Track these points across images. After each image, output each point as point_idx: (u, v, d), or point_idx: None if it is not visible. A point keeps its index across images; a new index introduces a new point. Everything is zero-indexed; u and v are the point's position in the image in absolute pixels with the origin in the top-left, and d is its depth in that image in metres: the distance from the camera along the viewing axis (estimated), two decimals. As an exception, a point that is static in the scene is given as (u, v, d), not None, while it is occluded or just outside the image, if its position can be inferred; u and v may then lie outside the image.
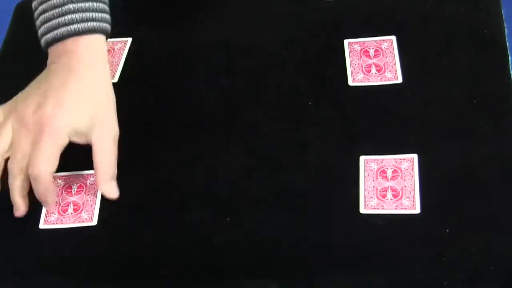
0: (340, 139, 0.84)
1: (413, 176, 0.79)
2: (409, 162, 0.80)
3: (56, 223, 0.79)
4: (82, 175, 0.83)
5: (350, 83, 0.88)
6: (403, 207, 0.76)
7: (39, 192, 0.78)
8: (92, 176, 0.82)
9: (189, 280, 0.75)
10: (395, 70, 0.88)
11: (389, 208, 0.77)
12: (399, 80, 0.88)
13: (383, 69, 0.89)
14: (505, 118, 0.83)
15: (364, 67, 0.89)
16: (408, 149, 0.81)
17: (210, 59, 0.95)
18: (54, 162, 0.77)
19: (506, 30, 0.91)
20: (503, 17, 0.93)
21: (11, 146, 0.78)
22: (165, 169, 0.84)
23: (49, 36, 0.81)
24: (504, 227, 0.74)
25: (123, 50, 0.96)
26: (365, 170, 0.80)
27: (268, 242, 0.77)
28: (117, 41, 0.97)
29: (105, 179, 0.79)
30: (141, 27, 1.00)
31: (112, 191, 0.80)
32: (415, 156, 0.80)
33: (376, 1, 0.97)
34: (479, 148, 0.81)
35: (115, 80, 0.93)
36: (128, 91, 0.92)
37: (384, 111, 0.85)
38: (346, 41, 0.93)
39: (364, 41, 0.92)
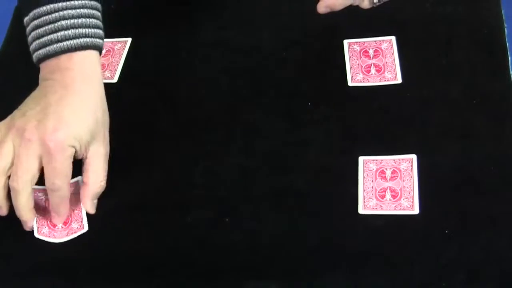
0: (340, 139, 0.84)
1: (412, 176, 0.79)
2: (408, 163, 0.80)
3: (49, 236, 0.79)
4: None
5: (350, 83, 0.88)
6: (402, 207, 0.77)
7: (55, 204, 0.78)
8: (71, 186, 0.80)
9: (189, 280, 0.75)
10: (395, 70, 0.88)
11: (388, 208, 0.77)
12: (399, 80, 0.88)
13: (382, 70, 0.89)
14: (505, 118, 0.83)
15: (364, 68, 0.89)
16: (408, 150, 0.81)
17: (210, 59, 0.95)
18: (69, 173, 0.77)
19: (506, 30, 0.91)
20: (503, 17, 0.93)
21: (13, 163, 0.77)
22: (165, 169, 0.84)
23: (41, 52, 0.80)
24: (504, 227, 0.74)
25: (123, 50, 0.96)
26: (364, 170, 0.80)
27: (268, 242, 0.77)
28: (117, 41, 0.97)
29: (91, 197, 0.80)
30: (141, 27, 0.99)
31: (93, 208, 0.81)
32: (414, 157, 0.80)
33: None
34: (479, 148, 0.81)
35: (115, 80, 0.93)
36: (128, 91, 0.92)
37: (384, 111, 0.85)
38: (346, 41, 0.93)
39: (364, 42, 0.92)
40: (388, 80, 0.88)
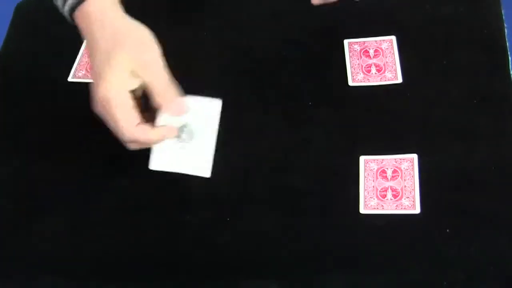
0: (340, 139, 0.84)
1: (413, 176, 0.79)
2: (409, 162, 0.80)
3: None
4: None
5: (350, 83, 0.88)
6: (403, 207, 0.76)
7: (149, 143, 0.78)
8: None
9: (189, 280, 0.75)
10: (395, 70, 0.88)
11: (389, 208, 0.77)
12: (399, 80, 0.88)
13: (383, 69, 0.89)
14: (505, 118, 0.83)
15: (364, 67, 0.89)
16: (408, 149, 0.81)
17: (211, 59, 0.95)
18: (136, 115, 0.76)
19: (506, 30, 0.91)
20: (503, 17, 0.93)
21: None
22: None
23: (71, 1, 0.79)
24: (504, 227, 0.74)
25: (123, 50, 0.96)
26: (365, 170, 0.80)
27: (268, 242, 0.77)
28: (117, 41, 0.97)
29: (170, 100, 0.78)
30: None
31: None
32: (415, 156, 0.80)
33: (376, 1, 0.96)
34: (479, 148, 0.81)
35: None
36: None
37: (384, 111, 0.85)
38: (346, 41, 0.93)
39: (364, 41, 0.92)
40: (388, 80, 0.88)
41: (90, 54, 0.78)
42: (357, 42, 0.92)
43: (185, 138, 0.79)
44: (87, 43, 0.78)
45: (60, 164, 0.85)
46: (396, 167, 0.80)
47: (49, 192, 0.84)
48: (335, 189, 0.79)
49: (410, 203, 0.77)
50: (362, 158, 0.81)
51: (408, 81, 0.87)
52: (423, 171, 0.79)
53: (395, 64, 0.89)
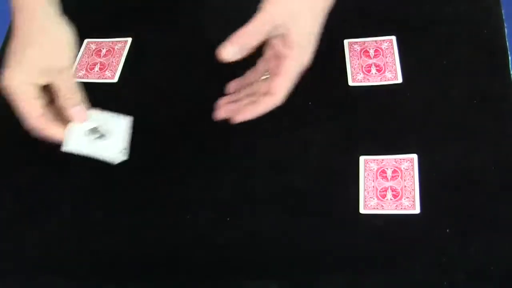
0: (340, 139, 0.84)
1: (413, 176, 0.79)
2: (409, 162, 0.80)
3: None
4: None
5: (350, 83, 0.88)
6: (403, 207, 0.76)
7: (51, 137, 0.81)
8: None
9: (189, 280, 0.75)
10: (395, 70, 0.88)
11: (389, 208, 0.77)
12: (399, 80, 0.88)
13: (383, 69, 0.89)
14: (505, 118, 0.83)
15: (364, 67, 0.89)
16: (408, 149, 0.81)
17: (210, 59, 0.95)
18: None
19: (506, 30, 0.91)
20: (503, 17, 0.93)
21: None
22: (165, 169, 0.84)
23: None
24: (504, 227, 0.74)
25: (123, 50, 0.96)
26: (365, 170, 0.80)
27: (268, 242, 0.77)
28: (117, 41, 0.97)
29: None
30: (141, 27, 0.99)
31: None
32: (415, 156, 0.80)
33: (376, 1, 0.96)
34: (479, 148, 0.81)
35: (115, 80, 0.93)
36: (128, 91, 0.92)
37: (384, 111, 0.85)
38: (346, 41, 0.93)
39: (364, 41, 0.92)
40: (388, 80, 0.88)
41: (12, 35, 0.81)
42: (357, 42, 0.92)
43: (95, 137, 0.81)
44: (12, 23, 0.81)
45: (59, 164, 0.85)
46: (396, 167, 0.80)
47: (49, 192, 0.83)
48: (335, 189, 0.79)
49: (410, 203, 0.77)
50: (362, 158, 0.81)
51: (408, 81, 0.87)
52: (423, 171, 0.79)
53: (395, 64, 0.89)
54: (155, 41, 0.98)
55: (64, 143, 0.80)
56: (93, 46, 0.97)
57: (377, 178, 0.79)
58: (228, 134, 0.86)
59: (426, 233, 0.75)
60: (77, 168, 0.84)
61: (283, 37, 0.77)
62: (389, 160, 0.81)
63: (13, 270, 0.78)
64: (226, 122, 0.87)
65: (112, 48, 0.97)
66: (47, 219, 0.81)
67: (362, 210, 0.77)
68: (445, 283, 0.71)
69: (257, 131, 0.86)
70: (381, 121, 0.84)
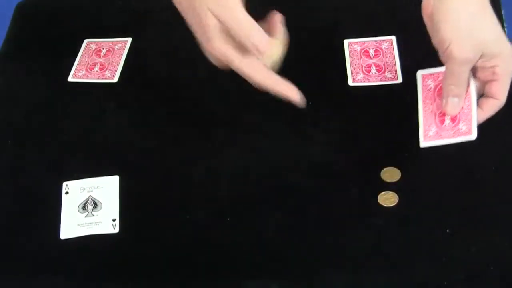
0: (340, 139, 0.84)
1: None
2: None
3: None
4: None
5: (350, 83, 0.88)
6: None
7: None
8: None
9: (189, 280, 0.75)
10: (395, 70, 0.89)
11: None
12: (399, 80, 0.88)
13: (383, 69, 0.89)
14: (505, 118, 0.83)
15: (364, 67, 0.89)
16: (408, 149, 0.81)
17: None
18: None
19: (506, 30, 0.91)
20: (503, 17, 0.93)
21: None
22: (165, 169, 0.84)
23: None
24: (504, 227, 0.75)
25: (123, 50, 0.96)
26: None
27: (268, 242, 0.77)
28: (117, 41, 0.97)
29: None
30: (141, 27, 0.99)
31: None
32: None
33: (376, 1, 0.96)
34: (479, 147, 0.80)
35: (115, 80, 0.93)
36: (128, 91, 0.92)
37: (384, 111, 0.85)
38: (346, 41, 0.93)
39: (364, 41, 0.92)
40: (388, 80, 0.88)
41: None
42: (357, 42, 0.92)
43: (90, 208, 0.80)
44: None
45: (60, 163, 0.85)
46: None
47: (49, 191, 0.83)
48: (334, 189, 0.79)
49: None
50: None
51: (408, 81, 0.87)
52: (423, 171, 0.79)
53: (395, 64, 0.89)
54: (155, 41, 0.98)
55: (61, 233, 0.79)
56: (93, 46, 0.97)
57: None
58: (228, 134, 0.86)
59: (427, 233, 0.74)
60: (76, 168, 0.84)
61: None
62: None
63: (13, 270, 0.78)
64: (226, 122, 0.87)
65: (112, 48, 0.97)
66: (47, 219, 0.81)
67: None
68: (445, 283, 0.71)
69: (257, 131, 0.86)
70: (381, 121, 0.84)
